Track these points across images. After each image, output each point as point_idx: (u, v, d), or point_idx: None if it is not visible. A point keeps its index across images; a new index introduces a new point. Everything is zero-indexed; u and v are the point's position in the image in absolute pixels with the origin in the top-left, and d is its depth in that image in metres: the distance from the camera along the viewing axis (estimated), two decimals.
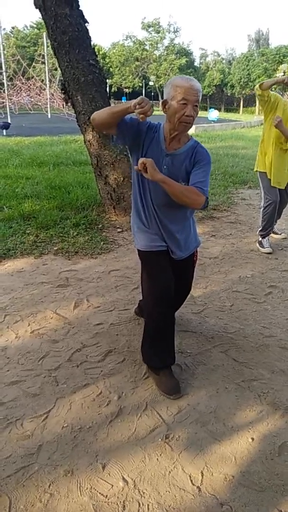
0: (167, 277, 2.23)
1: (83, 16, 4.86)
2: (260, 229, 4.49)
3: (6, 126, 16.69)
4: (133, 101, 1.83)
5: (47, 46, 31.43)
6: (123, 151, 5.14)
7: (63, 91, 5.14)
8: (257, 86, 3.95)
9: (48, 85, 31.54)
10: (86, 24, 4.91)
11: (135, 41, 60.04)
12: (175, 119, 1.98)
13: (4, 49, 29.41)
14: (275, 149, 4.13)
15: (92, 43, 5.06)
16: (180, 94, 1.93)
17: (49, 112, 31.25)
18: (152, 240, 2.26)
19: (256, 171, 4.39)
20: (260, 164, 4.32)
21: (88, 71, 4.84)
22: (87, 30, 4.91)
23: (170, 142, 2.12)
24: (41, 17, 4.97)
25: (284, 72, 40.58)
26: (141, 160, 1.91)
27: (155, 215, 2.22)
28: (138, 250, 2.34)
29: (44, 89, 33.28)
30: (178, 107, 1.95)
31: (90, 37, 4.96)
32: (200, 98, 2.01)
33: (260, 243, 4.45)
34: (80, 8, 4.83)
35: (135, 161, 2.10)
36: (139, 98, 1.83)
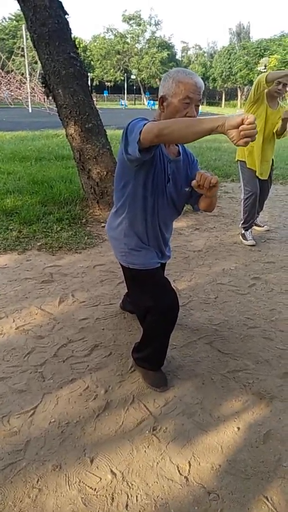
0: (172, 292, 2.06)
1: (63, 7, 4.79)
2: (242, 221, 4.53)
3: None
4: (233, 120, 1.37)
5: (27, 39, 30.97)
6: (106, 145, 5.11)
7: (43, 85, 5.07)
8: (263, 76, 3.82)
9: (28, 79, 31.10)
10: (66, 16, 4.85)
11: (116, 34, 59.61)
12: None
13: None
14: (258, 140, 4.15)
15: (72, 35, 5.01)
16: (184, 92, 1.72)
17: (29, 106, 30.86)
18: (151, 257, 2.10)
19: (237, 160, 4.42)
20: (240, 153, 4.34)
21: (68, 63, 4.79)
22: (67, 22, 4.84)
23: (169, 146, 1.96)
24: (20, 8, 4.89)
25: (265, 66, 40.85)
26: (214, 179, 1.69)
27: (158, 231, 2.10)
28: (132, 269, 2.09)
29: (25, 83, 32.79)
30: (180, 107, 1.74)
31: (70, 29, 4.90)
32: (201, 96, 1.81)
33: (243, 236, 4.50)
34: (59, 0, 4.76)
35: (143, 176, 1.88)
36: (245, 115, 1.37)
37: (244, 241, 4.46)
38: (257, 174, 4.25)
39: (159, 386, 2.24)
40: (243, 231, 4.51)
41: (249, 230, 4.50)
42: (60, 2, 4.75)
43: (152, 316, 2.06)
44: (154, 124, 1.58)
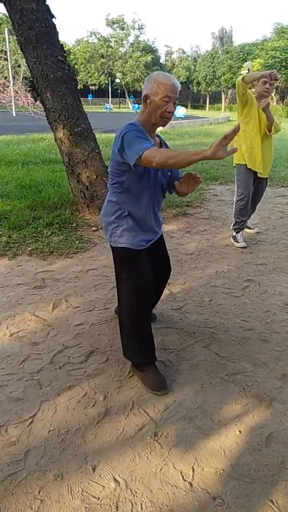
0: (150, 276, 2.30)
1: (50, 11, 4.77)
2: (233, 223, 4.55)
3: None
4: (209, 151, 1.75)
5: (10, 42, 30.76)
6: (95, 149, 5.09)
7: (31, 88, 5.03)
8: (239, 78, 3.97)
9: (12, 82, 30.85)
10: (53, 19, 4.82)
11: (100, 37, 59.64)
12: (157, 114, 2.05)
13: None
14: (256, 140, 4.19)
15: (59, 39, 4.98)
16: (164, 92, 2.00)
17: (13, 110, 30.60)
18: (141, 240, 2.25)
19: (235, 165, 4.41)
20: (238, 157, 4.32)
21: (56, 67, 4.76)
22: (54, 25, 4.82)
23: (153, 138, 2.21)
24: (5, 12, 4.85)
25: (248, 70, 41.31)
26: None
27: (152, 213, 2.29)
28: (121, 248, 2.25)
29: (8, 86, 32.52)
30: (161, 103, 2.02)
31: (57, 32, 4.88)
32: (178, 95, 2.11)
33: (234, 238, 4.51)
34: (46, 3, 4.73)
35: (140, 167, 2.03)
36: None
37: (235, 243, 4.48)
38: (258, 173, 4.29)
39: (160, 389, 2.23)
40: (234, 233, 4.53)
41: (240, 233, 4.52)
42: (47, 6, 4.73)
43: (131, 301, 2.27)
44: (155, 156, 1.85)
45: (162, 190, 2.34)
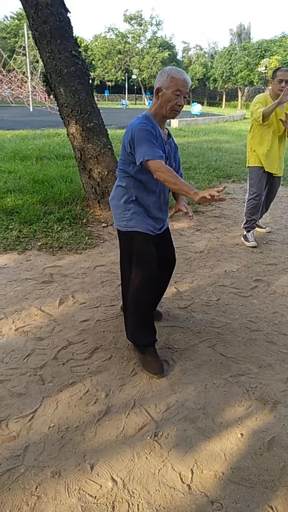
0: (156, 262, 2.36)
1: (65, 5, 4.75)
2: (244, 222, 4.50)
3: None
4: (203, 193, 1.91)
5: (28, 38, 30.90)
6: (107, 145, 5.07)
7: (45, 83, 5.03)
8: (259, 118, 3.97)
9: (29, 78, 31.03)
10: (68, 14, 4.80)
11: (118, 33, 59.53)
12: (168, 107, 2.18)
13: None
14: (273, 141, 4.17)
15: (74, 34, 4.96)
16: (175, 85, 2.13)
17: (31, 105, 30.80)
18: (147, 224, 2.35)
19: (248, 166, 4.36)
20: (253, 160, 4.27)
21: (70, 62, 4.75)
22: (69, 20, 4.80)
23: (164, 129, 2.34)
24: (21, 7, 4.85)
25: (266, 67, 40.82)
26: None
27: (162, 201, 2.41)
28: (130, 232, 2.34)
29: (26, 82, 32.72)
30: (172, 96, 2.15)
31: (72, 27, 4.86)
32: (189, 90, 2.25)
33: (245, 237, 4.45)
34: None
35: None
36: (212, 194, 1.88)
37: (245, 242, 4.42)
38: (273, 173, 4.28)
39: (158, 373, 2.33)
40: (244, 232, 4.47)
41: (251, 232, 4.46)
42: (62, 0, 4.71)
43: (137, 284, 2.32)
44: (158, 170, 2.07)
45: None
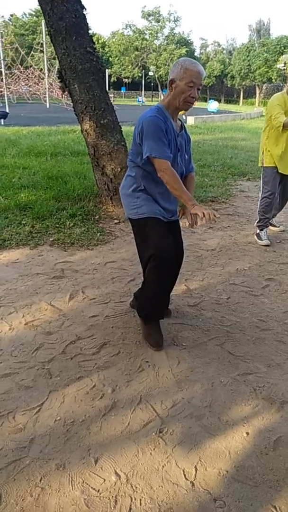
0: (171, 240, 2.41)
1: (80, 2, 4.77)
2: (257, 220, 4.45)
3: (4, 115, 16.57)
4: (199, 209, 2.10)
5: (46, 35, 31.04)
6: (121, 141, 5.08)
7: (60, 80, 5.06)
8: (279, 127, 3.99)
9: (46, 74, 31.22)
10: (84, 11, 4.81)
11: (135, 30, 59.39)
12: (181, 98, 2.19)
13: (2, 37, 29.03)
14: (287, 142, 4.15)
15: (90, 30, 4.97)
16: (189, 77, 2.14)
17: (47, 101, 31.01)
18: (157, 209, 2.39)
19: (263, 166, 4.32)
20: (268, 160, 4.24)
21: (85, 59, 4.76)
22: (85, 16, 4.81)
23: (176, 121, 2.35)
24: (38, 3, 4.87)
25: (285, 63, 40.25)
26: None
27: (168, 191, 2.36)
28: (141, 218, 2.37)
29: (43, 79, 32.92)
30: (186, 88, 2.15)
31: (87, 23, 4.87)
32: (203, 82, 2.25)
33: (258, 236, 4.41)
34: None
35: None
36: (209, 215, 2.07)
37: (258, 241, 4.38)
38: (283, 171, 4.24)
39: (156, 346, 2.49)
40: (258, 231, 4.43)
41: (264, 230, 4.42)
42: None
43: (153, 262, 2.31)
44: (164, 170, 2.17)
45: (182, 171, 2.48)
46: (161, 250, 2.29)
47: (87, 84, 4.83)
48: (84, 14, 4.81)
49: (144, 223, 2.38)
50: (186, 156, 2.47)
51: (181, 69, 2.15)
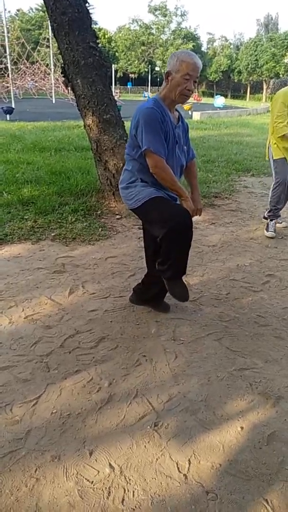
0: (183, 211, 2.28)
1: None
2: (268, 210, 4.52)
3: (10, 111, 16.59)
4: (190, 204, 2.30)
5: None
6: (123, 137, 5.07)
7: (62, 75, 5.06)
8: (281, 134, 4.11)
9: (52, 70, 31.17)
10: (87, 5, 4.80)
11: (142, 25, 59.07)
12: (177, 91, 2.17)
13: (8, 32, 29.03)
14: None
15: (94, 25, 4.97)
16: (185, 69, 2.12)
17: (53, 97, 30.97)
18: (156, 190, 2.36)
19: (273, 159, 4.35)
20: (276, 152, 4.29)
21: (88, 53, 4.75)
22: (88, 11, 4.80)
23: (173, 113, 2.34)
24: None
25: None
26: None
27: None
28: (144, 203, 2.32)
29: (49, 74, 32.88)
30: (182, 81, 2.14)
31: (90, 18, 4.86)
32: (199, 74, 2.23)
33: (267, 226, 4.50)
34: None
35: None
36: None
37: (265, 232, 4.42)
38: None
39: (183, 299, 2.48)
40: (268, 221, 4.49)
41: (273, 222, 4.46)
42: None
43: (169, 235, 2.20)
44: (158, 167, 2.20)
45: (181, 163, 2.46)
46: (178, 215, 2.21)
47: (90, 79, 4.83)
48: (87, 9, 4.80)
49: (148, 206, 2.31)
50: (185, 147, 2.46)
51: (177, 61, 2.13)
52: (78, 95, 4.98)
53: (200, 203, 2.59)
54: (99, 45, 5.02)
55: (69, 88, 5.24)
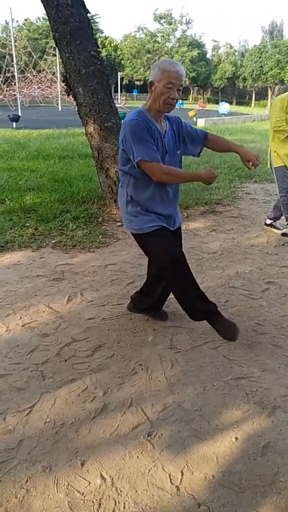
0: (174, 246, 2.38)
1: (85, 6, 4.80)
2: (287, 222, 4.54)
3: (16, 118, 16.74)
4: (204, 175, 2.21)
5: None
6: None
7: (64, 83, 5.10)
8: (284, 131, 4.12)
9: (59, 78, 31.45)
10: (88, 15, 4.85)
11: (147, 33, 59.55)
12: (161, 100, 2.13)
13: (16, 41, 29.35)
14: None
15: (100, 33, 5.14)
16: (167, 78, 2.08)
17: (59, 105, 31.22)
18: (146, 221, 2.33)
19: (274, 167, 4.34)
20: (277, 160, 4.28)
21: (89, 62, 4.79)
22: (89, 20, 4.85)
23: (160, 123, 2.29)
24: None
25: None
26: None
27: (165, 195, 2.35)
28: (135, 234, 2.40)
29: (55, 82, 33.18)
30: (164, 90, 2.10)
31: (92, 27, 4.91)
32: (183, 82, 2.18)
33: (276, 228, 4.66)
34: None
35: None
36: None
37: (277, 231, 4.63)
38: None
39: (231, 337, 2.40)
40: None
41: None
42: (82, 1, 4.76)
43: (167, 271, 2.32)
44: (158, 172, 2.16)
45: None
46: (173, 253, 2.29)
47: (91, 87, 4.86)
48: (88, 18, 4.84)
49: (147, 236, 2.35)
50: (178, 152, 2.39)
51: (158, 71, 2.10)
52: (79, 103, 5.01)
53: (249, 152, 2.44)
54: (102, 53, 5.06)
55: (70, 96, 5.28)
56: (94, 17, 57.66)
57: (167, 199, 2.39)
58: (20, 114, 19.44)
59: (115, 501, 1.61)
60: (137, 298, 2.88)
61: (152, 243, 2.37)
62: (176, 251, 2.35)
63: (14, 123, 16.33)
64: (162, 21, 58.71)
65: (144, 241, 2.42)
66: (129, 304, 2.97)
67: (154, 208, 2.34)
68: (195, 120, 20.33)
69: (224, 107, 30.19)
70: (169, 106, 2.17)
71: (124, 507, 1.59)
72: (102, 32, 60.58)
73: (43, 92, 36.12)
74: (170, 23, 58.69)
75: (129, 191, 2.32)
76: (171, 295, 2.86)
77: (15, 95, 27.55)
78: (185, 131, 2.41)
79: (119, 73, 52.99)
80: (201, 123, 19.66)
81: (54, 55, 34.28)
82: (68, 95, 5.23)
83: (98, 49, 4.97)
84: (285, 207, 4.40)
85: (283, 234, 4.59)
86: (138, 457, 1.81)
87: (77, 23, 4.69)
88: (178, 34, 59.53)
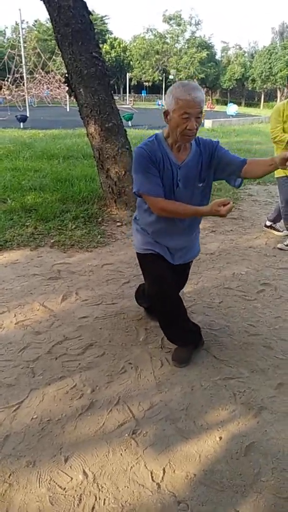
0: (162, 281, 2.29)
1: (87, 7, 4.83)
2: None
3: (24, 119, 16.88)
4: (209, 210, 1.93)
5: None
6: (125, 145, 5.12)
7: (66, 84, 5.14)
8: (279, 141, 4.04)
9: None
10: (90, 16, 4.88)
11: (156, 34, 59.62)
12: (177, 132, 1.92)
13: (25, 42, 29.56)
14: None
15: (112, 35, 5.14)
16: (182, 108, 1.84)
17: (67, 105, 31.39)
18: (145, 243, 2.32)
19: (275, 177, 4.27)
20: (278, 170, 4.20)
21: (90, 63, 4.82)
22: (91, 21, 4.88)
23: (178, 152, 2.06)
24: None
25: None
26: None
27: (178, 226, 2.23)
28: (139, 253, 2.41)
29: (64, 82, 33.40)
30: (180, 121, 1.87)
31: (94, 29, 4.94)
32: (203, 107, 1.93)
33: (275, 230, 4.70)
34: (83, 0, 4.79)
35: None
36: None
37: (276, 233, 4.69)
38: None
39: (179, 362, 2.43)
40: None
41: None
42: (84, 2, 4.79)
43: (153, 300, 2.40)
44: (160, 208, 2.05)
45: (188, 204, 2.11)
46: (159, 287, 2.26)
47: (93, 88, 4.89)
48: (90, 20, 4.88)
49: (141, 257, 2.39)
50: (200, 185, 2.15)
51: (172, 100, 1.86)
52: (81, 104, 5.05)
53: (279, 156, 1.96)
54: (111, 54, 5.09)
55: (72, 97, 5.32)
56: (103, 18, 57.95)
57: (177, 231, 2.24)
58: (28, 114, 19.60)
59: (96, 497, 1.63)
60: (142, 292, 2.88)
61: (144, 267, 2.41)
62: (163, 287, 2.25)
63: (21, 123, 16.47)
64: (171, 22, 58.81)
65: (139, 261, 2.44)
66: (135, 293, 2.98)
67: (156, 236, 2.27)
68: (202, 121, 20.32)
69: (232, 108, 30.16)
70: (187, 137, 1.94)
71: (104, 503, 1.61)
72: (111, 33, 60.84)
73: (51, 93, 36.34)
74: (179, 24, 58.75)
75: (138, 211, 2.33)
76: None
77: (23, 95, 27.76)
78: (218, 157, 2.11)
79: (128, 74, 53.13)
80: (208, 124, 19.65)
81: None
82: (70, 96, 5.27)
83: (99, 51, 5.01)
84: (286, 218, 4.34)
85: (279, 248, 4.40)
86: (121, 454, 1.83)
87: (78, 24, 4.72)
88: (187, 35, 59.62)
